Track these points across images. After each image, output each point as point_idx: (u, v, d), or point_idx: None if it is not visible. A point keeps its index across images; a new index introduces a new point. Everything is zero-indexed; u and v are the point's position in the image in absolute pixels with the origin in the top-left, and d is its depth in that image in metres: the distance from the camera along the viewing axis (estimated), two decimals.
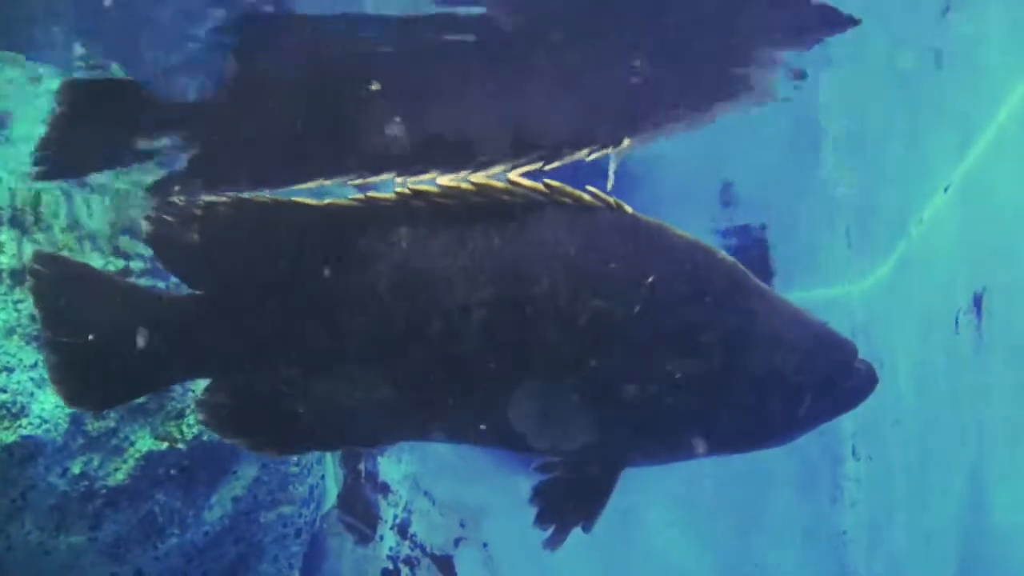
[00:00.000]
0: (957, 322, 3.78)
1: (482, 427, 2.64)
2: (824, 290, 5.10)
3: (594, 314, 2.50)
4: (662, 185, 5.27)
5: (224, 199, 2.59)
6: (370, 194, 2.53)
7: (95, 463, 4.10)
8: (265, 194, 2.62)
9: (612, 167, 3.22)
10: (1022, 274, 3.30)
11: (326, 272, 2.58)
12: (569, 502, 2.58)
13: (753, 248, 5.39)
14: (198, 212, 2.60)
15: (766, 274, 5.32)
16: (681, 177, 5.23)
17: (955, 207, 3.80)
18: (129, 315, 2.70)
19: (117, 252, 4.33)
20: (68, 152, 3.23)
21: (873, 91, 4.28)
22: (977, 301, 3.62)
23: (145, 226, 2.64)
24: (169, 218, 2.60)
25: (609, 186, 3.13)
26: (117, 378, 2.77)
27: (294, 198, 2.58)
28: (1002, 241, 3.38)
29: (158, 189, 3.17)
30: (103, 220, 4.30)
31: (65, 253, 4.11)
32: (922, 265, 4.19)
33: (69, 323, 2.74)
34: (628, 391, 2.56)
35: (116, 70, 3.64)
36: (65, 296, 2.76)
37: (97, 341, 2.71)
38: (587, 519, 2.56)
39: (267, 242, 2.60)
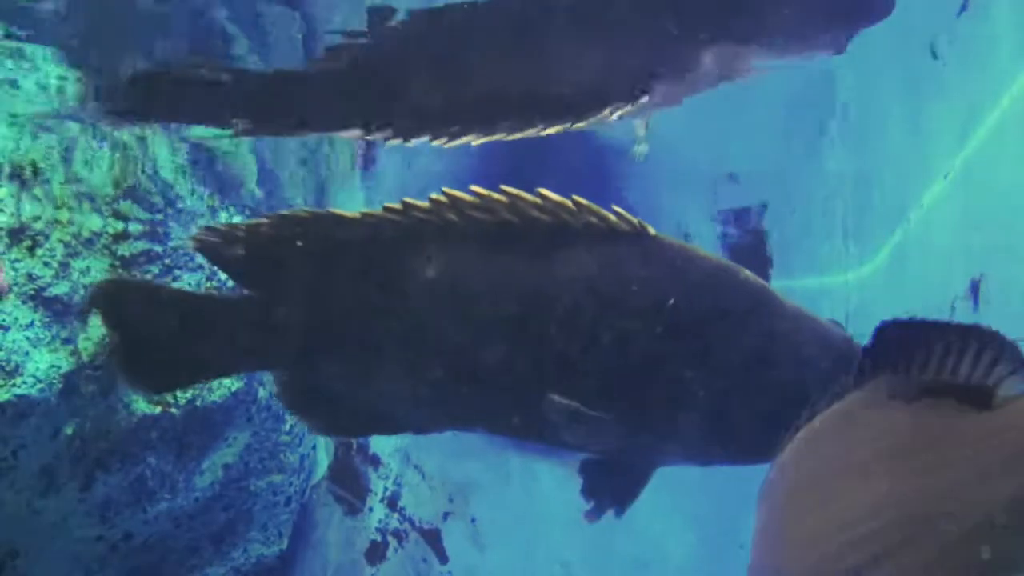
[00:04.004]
0: (953, 309, 3.79)
1: (519, 427, 2.78)
2: (819, 277, 5.11)
3: (621, 333, 2.60)
4: (660, 170, 5.28)
5: (265, 219, 2.72)
6: (407, 200, 2.62)
7: (87, 425, 4.10)
8: (304, 208, 2.75)
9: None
10: (1021, 262, 3.31)
11: (365, 281, 2.70)
12: (608, 484, 2.73)
13: (750, 235, 5.41)
14: (241, 235, 2.72)
15: (763, 262, 5.33)
16: (679, 162, 5.24)
17: (955, 194, 3.81)
18: (186, 317, 2.85)
19: (117, 215, 4.32)
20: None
21: (876, 75, 4.29)
22: (974, 288, 3.63)
23: (192, 245, 2.78)
24: (214, 238, 2.73)
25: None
26: (173, 369, 2.98)
27: (332, 210, 2.70)
28: (1002, 228, 3.39)
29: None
30: (106, 179, 4.29)
31: (64, 212, 4.12)
32: (920, 251, 4.19)
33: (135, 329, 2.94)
34: (656, 407, 2.67)
35: None
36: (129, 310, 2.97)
37: (159, 339, 2.89)
38: (620, 505, 2.74)
39: (310, 254, 2.72)
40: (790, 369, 2.61)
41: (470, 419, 2.80)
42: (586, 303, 2.56)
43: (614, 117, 2.96)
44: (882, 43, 3.89)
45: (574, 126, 2.93)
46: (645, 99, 2.97)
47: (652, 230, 2.59)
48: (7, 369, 3.88)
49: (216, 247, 2.72)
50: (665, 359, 2.58)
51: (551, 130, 2.91)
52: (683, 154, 5.15)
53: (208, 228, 2.76)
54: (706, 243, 5.03)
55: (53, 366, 3.95)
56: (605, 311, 2.55)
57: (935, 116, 3.96)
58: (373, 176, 5.45)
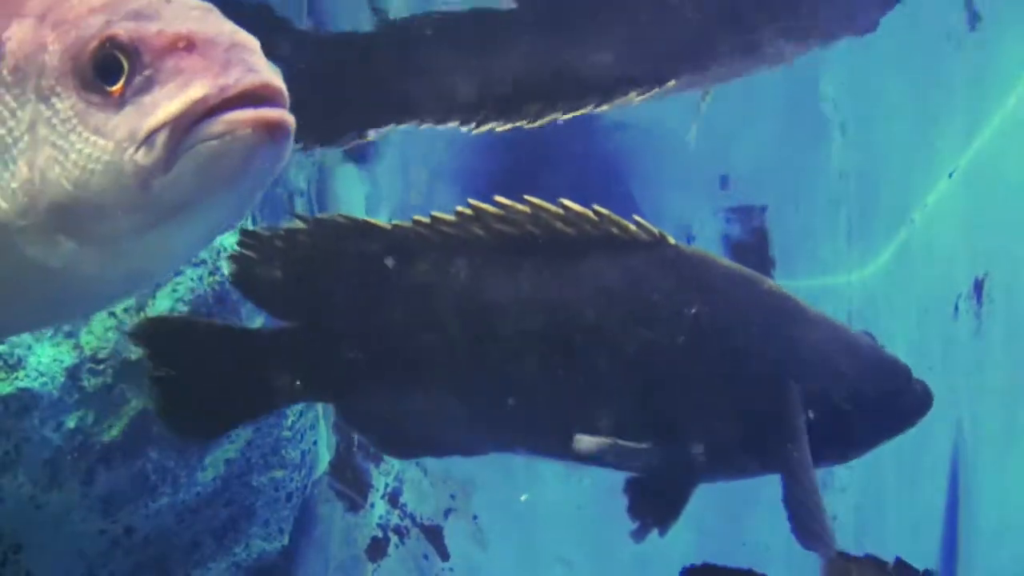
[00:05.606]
0: (957, 308, 3.79)
1: (555, 445, 2.81)
2: (822, 277, 5.11)
3: (645, 345, 2.63)
4: (662, 168, 5.27)
5: (302, 225, 2.73)
6: (435, 214, 2.65)
7: (90, 419, 4.09)
8: (340, 214, 2.75)
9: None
10: None
11: (392, 294, 2.73)
12: (651, 503, 2.77)
13: (753, 235, 5.41)
14: (280, 244, 2.74)
15: (766, 262, 5.33)
16: (681, 160, 5.24)
17: (960, 193, 3.82)
18: (229, 353, 2.89)
19: None
20: None
21: (880, 73, 4.29)
22: (978, 287, 3.64)
23: (229, 267, 2.81)
24: (252, 254, 2.74)
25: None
26: (221, 410, 3.14)
27: (367, 219, 2.72)
28: (1006, 228, 3.40)
29: None
30: None
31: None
32: (924, 251, 4.20)
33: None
34: (687, 420, 2.70)
35: None
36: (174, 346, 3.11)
37: (204, 379, 2.92)
38: (662, 524, 2.79)
39: (344, 266, 2.75)
40: (820, 379, 2.63)
41: (507, 439, 2.84)
42: (617, 317, 2.58)
43: (638, 101, 2.96)
44: (886, 41, 3.89)
45: (597, 109, 2.94)
46: (671, 84, 2.97)
47: (672, 239, 2.62)
48: (9, 362, 3.88)
49: (252, 265, 2.72)
50: (695, 371, 2.60)
51: (572, 113, 2.91)
52: (685, 152, 5.15)
53: (245, 234, 2.75)
54: (708, 242, 5.02)
55: (56, 360, 3.95)
56: (635, 324, 2.57)
57: (940, 115, 3.96)
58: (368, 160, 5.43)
